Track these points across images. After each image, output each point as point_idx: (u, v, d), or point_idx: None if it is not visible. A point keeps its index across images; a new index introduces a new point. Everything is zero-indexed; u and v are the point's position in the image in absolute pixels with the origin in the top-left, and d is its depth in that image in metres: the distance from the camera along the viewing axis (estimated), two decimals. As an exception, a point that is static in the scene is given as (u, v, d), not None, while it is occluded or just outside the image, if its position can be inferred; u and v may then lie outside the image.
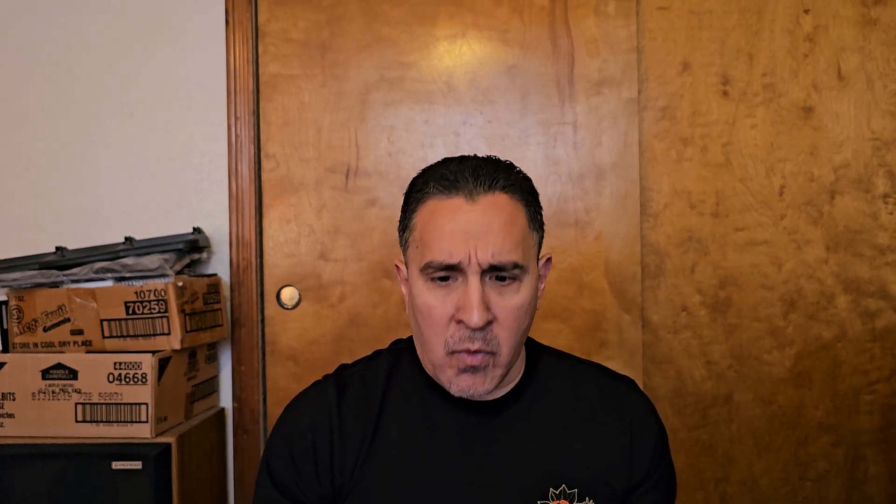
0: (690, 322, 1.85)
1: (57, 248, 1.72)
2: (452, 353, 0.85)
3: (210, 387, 1.80)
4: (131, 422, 1.52)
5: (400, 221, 0.93)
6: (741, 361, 1.85)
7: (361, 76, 1.86)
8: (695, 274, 1.85)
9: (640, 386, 1.83)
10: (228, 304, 1.85)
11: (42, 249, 1.83)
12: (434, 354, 0.87)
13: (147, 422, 1.52)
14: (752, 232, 1.84)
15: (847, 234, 1.84)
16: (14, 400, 1.55)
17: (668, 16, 1.85)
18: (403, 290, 0.95)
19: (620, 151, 1.83)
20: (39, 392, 1.55)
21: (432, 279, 0.86)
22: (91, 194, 1.88)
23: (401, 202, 1.96)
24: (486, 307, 0.83)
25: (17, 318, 1.62)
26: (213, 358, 1.81)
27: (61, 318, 1.60)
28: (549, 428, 0.93)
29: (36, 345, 1.61)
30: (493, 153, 1.94)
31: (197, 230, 1.81)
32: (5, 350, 1.65)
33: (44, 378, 1.55)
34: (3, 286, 1.63)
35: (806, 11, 1.84)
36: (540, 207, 0.92)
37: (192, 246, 1.73)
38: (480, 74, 1.85)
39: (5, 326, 1.66)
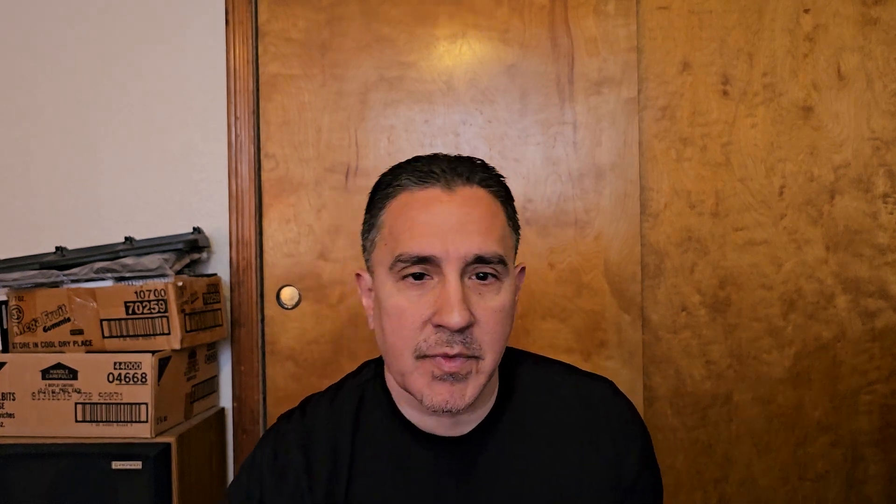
0: (690, 322, 1.85)
1: (57, 248, 1.72)
2: (424, 356, 0.77)
3: (210, 387, 1.81)
4: (131, 422, 1.53)
5: (363, 225, 0.86)
6: (740, 361, 1.85)
7: (361, 76, 1.86)
8: (694, 274, 1.85)
9: (641, 386, 1.83)
10: (228, 303, 1.85)
11: (42, 249, 1.83)
12: (402, 363, 0.78)
13: (147, 422, 1.52)
14: (752, 232, 1.84)
15: (847, 233, 1.84)
16: (14, 400, 1.55)
17: (667, 15, 1.85)
18: (365, 302, 0.87)
19: (620, 151, 1.83)
20: (39, 392, 1.55)
21: (404, 277, 0.77)
22: (91, 194, 1.89)
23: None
24: (467, 307, 0.75)
25: (17, 318, 1.62)
26: (212, 358, 1.81)
27: (61, 318, 1.61)
28: (529, 453, 0.86)
29: (36, 345, 1.61)
30: (492, 153, 1.96)
31: (197, 230, 1.81)
32: (5, 350, 1.65)
33: (44, 378, 1.55)
34: (3, 286, 1.63)
35: (806, 11, 1.84)
36: (515, 210, 0.85)
37: (192, 246, 1.73)
38: (480, 74, 1.85)
39: (5, 326, 1.66)
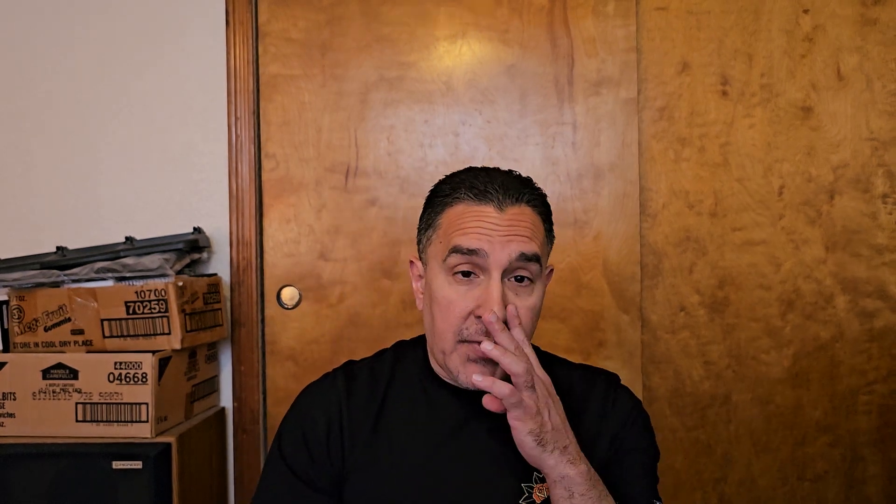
0: (689, 322, 1.86)
1: (58, 248, 1.72)
2: (464, 341, 0.91)
3: (210, 386, 1.81)
4: (131, 421, 1.53)
5: (421, 220, 0.99)
6: (739, 361, 1.85)
7: (361, 76, 1.86)
8: (693, 274, 1.85)
9: (640, 386, 1.84)
10: (228, 303, 1.86)
11: (43, 249, 1.84)
12: (445, 343, 0.92)
13: (147, 421, 1.53)
14: (751, 232, 1.85)
15: (845, 234, 1.84)
16: (15, 399, 1.56)
17: (666, 16, 1.85)
18: (415, 285, 1.01)
19: (619, 151, 1.84)
20: (40, 392, 1.55)
21: (454, 273, 0.91)
22: (92, 194, 1.89)
23: (400, 202, 1.98)
24: (504, 305, 0.89)
25: (18, 318, 1.62)
26: (213, 358, 1.82)
27: (62, 318, 1.61)
28: None
29: (37, 344, 1.62)
30: (492, 153, 1.96)
31: (197, 230, 1.82)
32: (6, 350, 1.66)
33: (44, 378, 1.55)
34: (4, 286, 1.64)
35: (805, 11, 1.84)
36: (552, 224, 0.99)
37: (193, 246, 1.74)
38: (480, 74, 1.85)
39: (6, 326, 1.67)
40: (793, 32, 1.84)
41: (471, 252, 0.89)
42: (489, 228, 0.90)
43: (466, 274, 0.91)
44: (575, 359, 1.82)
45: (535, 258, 0.91)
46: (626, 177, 1.84)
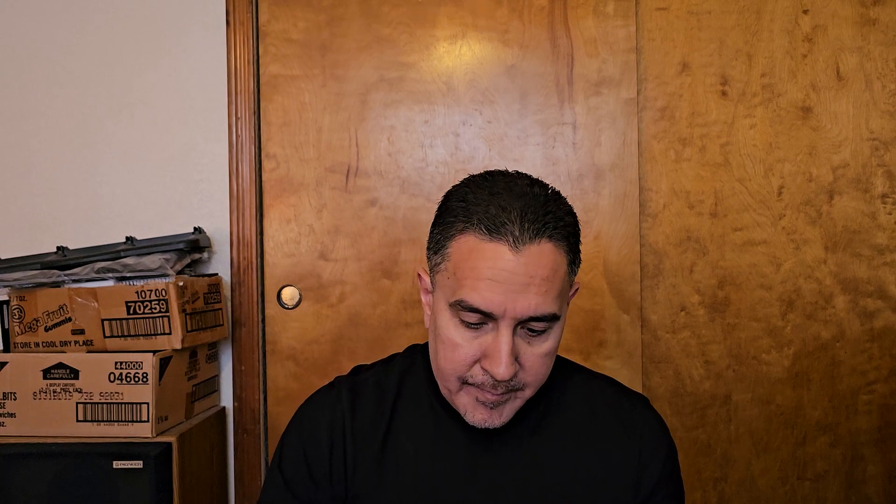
0: (689, 322, 1.86)
1: (58, 248, 1.72)
2: (468, 383, 0.85)
3: (210, 386, 1.81)
4: (132, 421, 1.53)
5: (431, 234, 0.89)
6: (739, 361, 1.85)
7: (361, 76, 1.86)
8: (693, 274, 1.85)
9: (640, 386, 1.84)
10: (229, 303, 1.86)
11: (43, 249, 1.84)
12: (449, 383, 0.86)
13: (148, 421, 1.53)
14: (751, 232, 1.85)
15: (845, 234, 1.84)
16: (15, 399, 1.56)
17: (666, 16, 1.85)
18: (424, 298, 0.93)
19: (619, 151, 1.84)
20: (41, 391, 1.55)
21: (462, 321, 0.83)
22: (92, 194, 1.89)
23: (401, 202, 1.97)
24: (515, 358, 0.82)
25: (19, 318, 1.62)
26: (213, 357, 1.82)
27: (62, 318, 1.61)
28: (557, 444, 0.92)
29: (37, 344, 1.62)
30: (492, 153, 1.96)
31: (198, 230, 1.82)
32: (7, 350, 1.66)
33: (45, 378, 1.55)
34: (5, 286, 1.64)
35: (805, 12, 1.84)
36: (579, 243, 0.87)
37: (193, 246, 1.74)
38: (480, 75, 1.86)
39: (7, 326, 1.67)
40: (793, 32, 1.84)
41: (478, 312, 0.81)
42: (501, 279, 0.79)
43: (474, 324, 0.82)
44: (575, 359, 1.83)
45: (548, 318, 0.81)
46: (626, 177, 1.84)
